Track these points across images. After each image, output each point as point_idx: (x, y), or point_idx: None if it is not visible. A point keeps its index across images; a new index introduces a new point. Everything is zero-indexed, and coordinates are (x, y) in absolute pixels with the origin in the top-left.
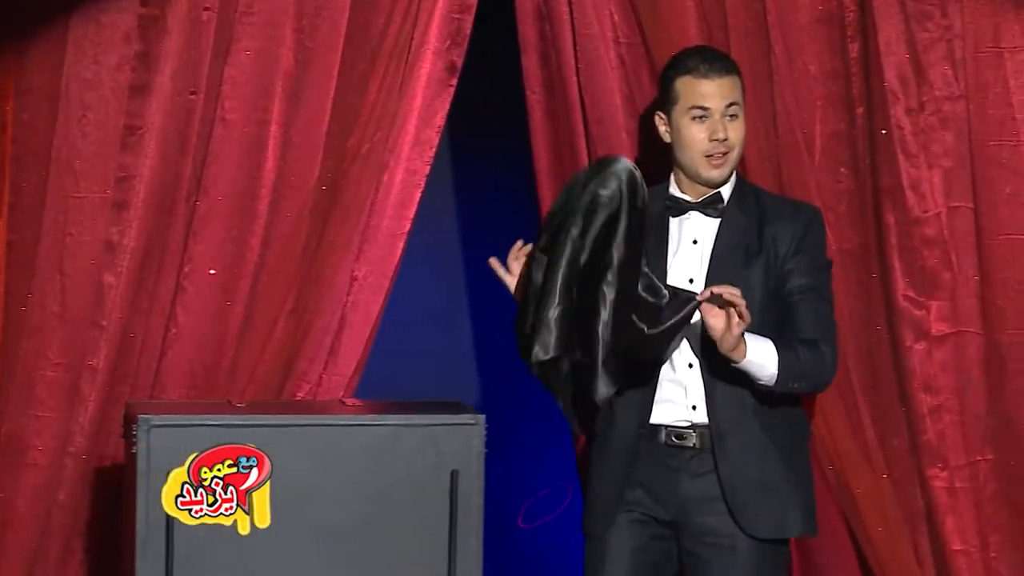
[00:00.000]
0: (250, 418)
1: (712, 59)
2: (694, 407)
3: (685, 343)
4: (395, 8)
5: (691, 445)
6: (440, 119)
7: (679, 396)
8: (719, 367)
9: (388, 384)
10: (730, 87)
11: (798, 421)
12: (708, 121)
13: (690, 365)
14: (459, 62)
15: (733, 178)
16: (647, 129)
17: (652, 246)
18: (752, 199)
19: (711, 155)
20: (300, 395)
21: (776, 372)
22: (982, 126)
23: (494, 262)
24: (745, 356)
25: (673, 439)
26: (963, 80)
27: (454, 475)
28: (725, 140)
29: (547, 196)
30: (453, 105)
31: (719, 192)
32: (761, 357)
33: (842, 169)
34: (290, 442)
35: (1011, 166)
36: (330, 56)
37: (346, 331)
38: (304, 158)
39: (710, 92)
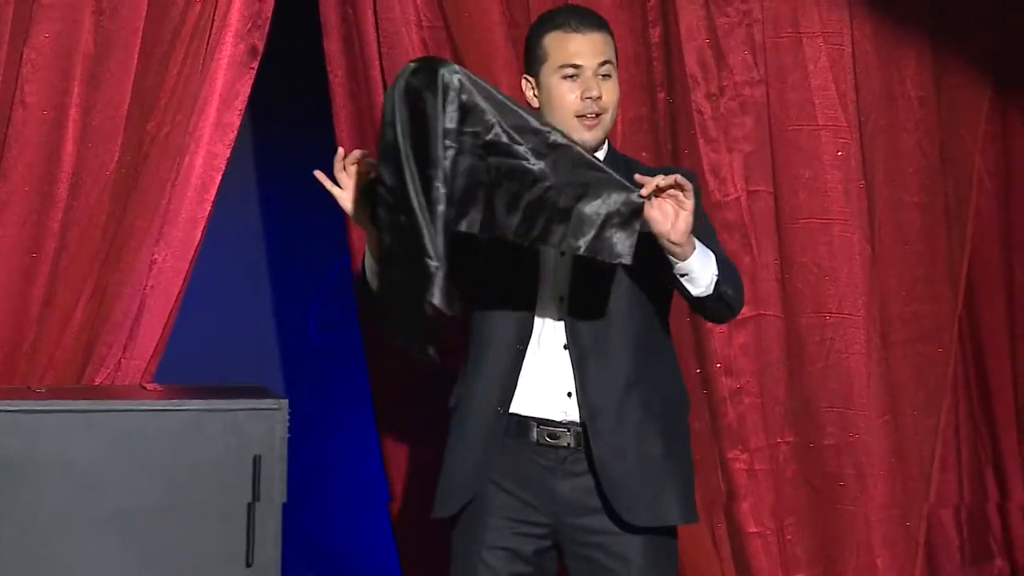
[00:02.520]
0: (49, 403)
1: (583, 13)
2: (568, 394)
3: (560, 324)
4: None
5: (565, 444)
6: (241, 102)
7: (551, 383)
8: (592, 341)
9: (189, 368)
10: (603, 43)
11: (678, 396)
12: (580, 79)
13: (564, 346)
14: (260, 45)
15: (605, 146)
16: None
17: None
18: (623, 168)
19: (583, 115)
20: (99, 380)
21: (716, 269)
22: (781, 111)
23: (319, 175)
24: (694, 251)
25: (546, 438)
26: (763, 65)
27: (256, 460)
28: (599, 99)
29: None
30: (255, 88)
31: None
32: (703, 252)
33: (644, 153)
34: (89, 428)
35: (810, 151)
36: (130, 39)
37: (146, 315)
38: (104, 141)
39: (582, 48)
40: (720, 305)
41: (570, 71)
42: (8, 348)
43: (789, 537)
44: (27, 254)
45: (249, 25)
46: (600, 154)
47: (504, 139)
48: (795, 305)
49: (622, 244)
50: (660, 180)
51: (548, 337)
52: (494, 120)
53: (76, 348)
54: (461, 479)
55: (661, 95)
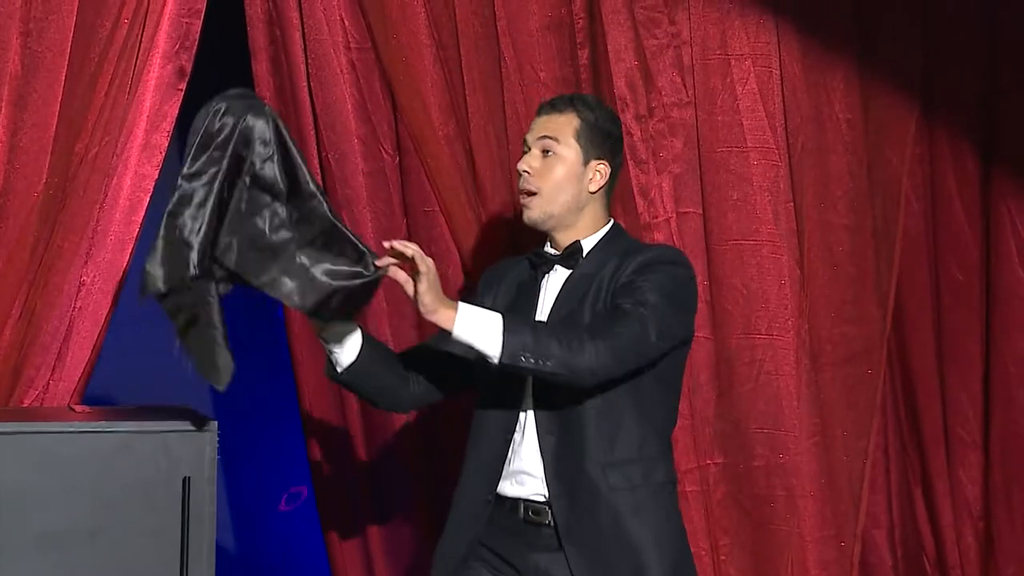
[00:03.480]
0: None
1: (558, 97)
2: (544, 471)
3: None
4: (123, 11)
5: (547, 523)
6: (169, 124)
7: (535, 467)
8: (556, 425)
9: (118, 390)
10: (558, 122)
11: (659, 469)
12: (524, 156)
13: (550, 432)
14: (188, 66)
15: (604, 230)
16: (376, 134)
17: (520, 302)
18: (616, 248)
19: (521, 191)
20: (28, 402)
21: (502, 340)
22: (710, 132)
23: None
24: (455, 321)
25: (531, 514)
26: (691, 87)
27: (186, 482)
28: (527, 173)
29: None
30: (183, 110)
31: (578, 242)
32: (480, 322)
33: None
34: (17, 450)
35: (738, 172)
36: (57, 60)
37: (74, 337)
38: (31, 163)
39: (532, 127)
40: (535, 373)
41: (524, 148)
42: None
43: (723, 557)
44: None
45: (177, 47)
46: (594, 237)
47: (269, 175)
48: (724, 326)
49: (348, 310)
50: (401, 247)
51: (531, 424)
52: (271, 153)
53: (4, 370)
54: (452, 549)
55: None
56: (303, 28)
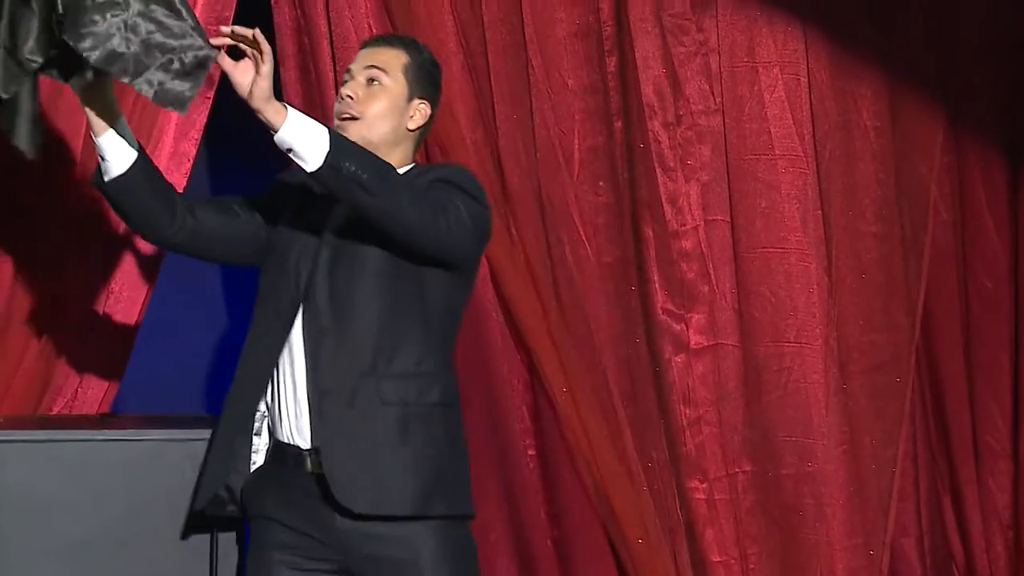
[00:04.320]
0: (6, 434)
1: (385, 34)
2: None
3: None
4: None
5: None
6: (197, 132)
7: (297, 363)
8: (330, 324)
9: (146, 399)
10: (380, 54)
11: (431, 400)
12: (346, 82)
13: (323, 331)
14: (216, 74)
15: (405, 168)
16: None
17: (306, 224)
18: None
19: (339, 116)
20: (57, 409)
21: (329, 146)
22: (738, 140)
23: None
24: (285, 118)
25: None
26: (719, 94)
27: None
28: (351, 99)
29: None
30: (211, 117)
31: None
32: (309, 127)
33: (601, 183)
34: (47, 458)
35: (766, 180)
36: None
37: (103, 345)
38: (62, 173)
39: (358, 57)
40: (351, 191)
41: (345, 77)
42: None
43: (752, 566)
44: None
45: None
46: (402, 170)
47: None
48: (753, 334)
49: (182, 91)
50: (242, 31)
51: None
52: None
53: (33, 378)
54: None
55: (618, 124)
56: (331, 36)
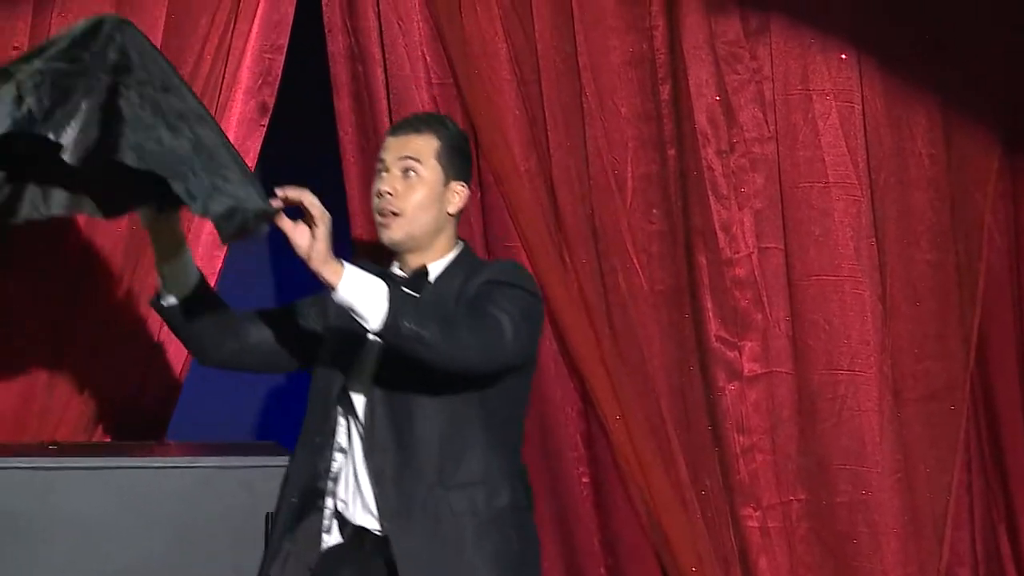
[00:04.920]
0: (60, 460)
1: (412, 117)
2: (374, 486)
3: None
4: (205, 48)
5: (375, 533)
6: (252, 159)
7: (364, 485)
8: (385, 443)
9: (200, 425)
10: (412, 143)
11: (501, 504)
12: (383, 177)
13: (384, 448)
14: (271, 102)
15: (452, 254)
16: None
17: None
18: (464, 270)
19: (381, 212)
20: (110, 437)
21: (387, 305)
22: (792, 168)
23: None
24: (342, 277)
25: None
26: (773, 122)
27: (268, 518)
28: (390, 195)
29: (361, 236)
30: (265, 145)
31: (424, 267)
32: (366, 285)
33: (654, 210)
34: (100, 484)
35: (820, 207)
36: None
37: (156, 372)
38: None
39: (388, 145)
40: (413, 348)
41: (378, 166)
42: (20, 404)
43: None
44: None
45: (259, 82)
46: (442, 261)
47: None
48: (807, 362)
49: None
50: (296, 194)
51: (356, 438)
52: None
53: (87, 405)
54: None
55: (671, 152)
56: (385, 63)
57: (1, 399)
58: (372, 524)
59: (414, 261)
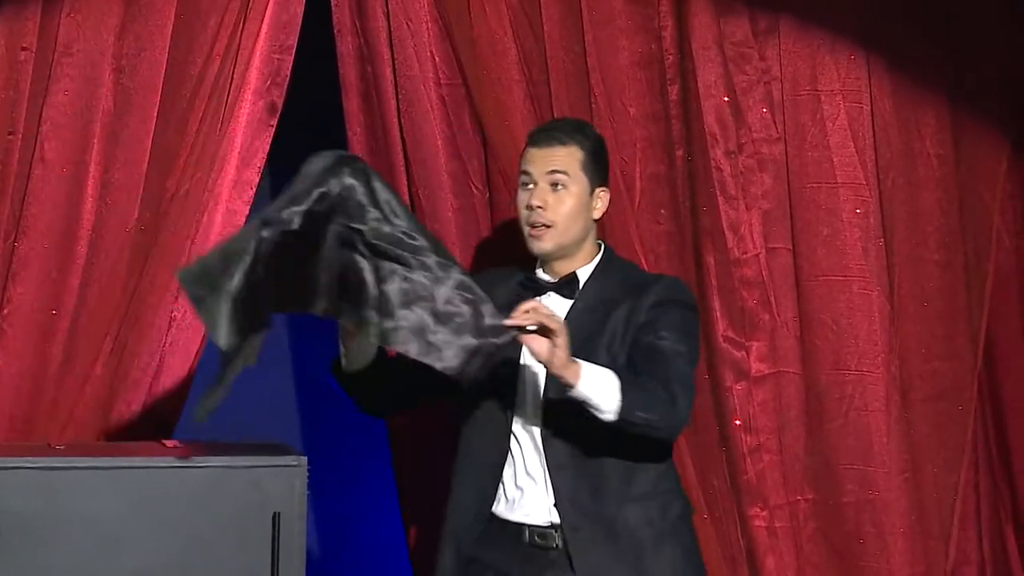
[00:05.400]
0: (68, 460)
1: (552, 127)
2: (555, 504)
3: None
4: (214, 48)
5: (554, 546)
6: (260, 160)
7: (541, 496)
8: (559, 453)
9: (208, 425)
10: (563, 155)
11: (676, 513)
12: (530, 189)
13: (562, 467)
14: (279, 102)
15: (597, 258)
16: (466, 170)
17: None
18: (615, 278)
19: (532, 225)
20: (119, 436)
21: (620, 397)
22: (800, 168)
23: None
24: (580, 377)
25: (536, 539)
26: (781, 123)
27: (276, 517)
28: (540, 208)
29: None
30: (274, 145)
31: (575, 272)
32: (600, 379)
33: (662, 211)
34: (109, 484)
35: (828, 208)
36: (149, 96)
37: (165, 372)
38: (123, 199)
39: (534, 157)
40: (640, 430)
41: (524, 179)
42: (28, 405)
43: None
44: (46, 311)
45: (268, 83)
46: (589, 266)
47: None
48: (814, 362)
49: (472, 371)
50: (531, 317)
51: (532, 453)
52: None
53: (95, 405)
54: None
55: (679, 152)
56: (394, 64)
57: (10, 400)
58: (536, 521)
59: (562, 268)
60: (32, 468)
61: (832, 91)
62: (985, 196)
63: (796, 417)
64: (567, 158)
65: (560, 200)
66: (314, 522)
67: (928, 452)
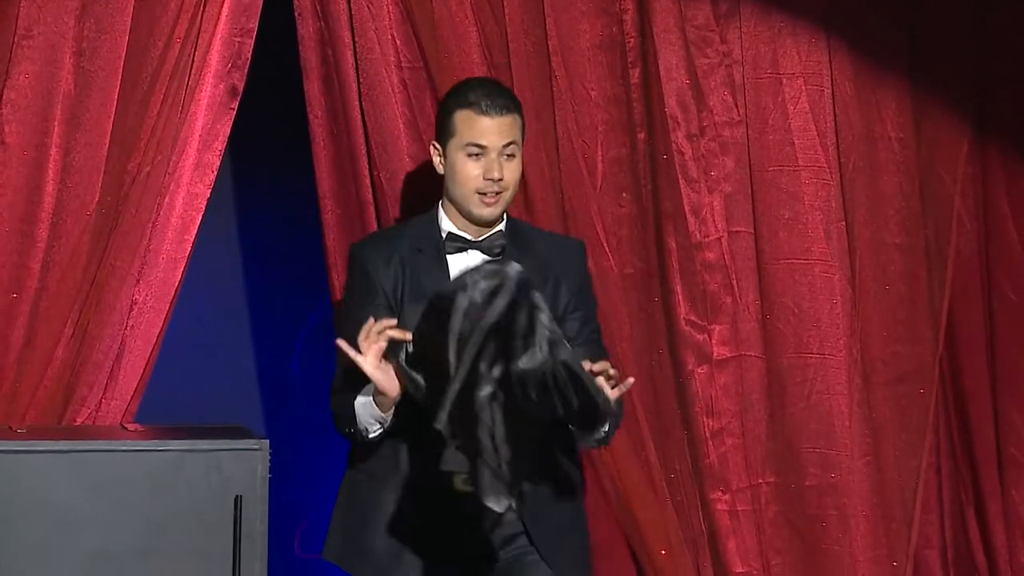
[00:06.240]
0: (29, 444)
1: (494, 95)
2: None
3: None
4: (175, 31)
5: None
6: (221, 143)
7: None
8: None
9: (170, 409)
10: (509, 126)
11: (579, 480)
12: (484, 159)
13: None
14: (240, 85)
15: (505, 217)
16: (428, 153)
17: (430, 281)
18: (525, 239)
19: (484, 193)
20: (80, 420)
21: (617, 420)
22: (761, 151)
23: (341, 343)
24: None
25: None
26: (742, 106)
27: (238, 500)
28: (500, 180)
29: (329, 220)
30: (235, 128)
31: (500, 231)
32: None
33: (624, 194)
34: (70, 468)
35: (790, 191)
36: (110, 79)
37: (126, 356)
38: (84, 182)
39: (488, 130)
40: (599, 440)
41: (475, 150)
42: None
43: None
44: (7, 295)
45: (229, 66)
46: (501, 225)
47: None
48: (776, 346)
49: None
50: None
51: None
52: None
53: (57, 388)
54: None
55: (641, 136)
56: (355, 47)
57: None
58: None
59: (487, 227)
60: None
61: (793, 74)
62: (946, 179)
63: (758, 400)
64: (515, 127)
65: (511, 169)
66: (275, 506)
67: (890, 435)
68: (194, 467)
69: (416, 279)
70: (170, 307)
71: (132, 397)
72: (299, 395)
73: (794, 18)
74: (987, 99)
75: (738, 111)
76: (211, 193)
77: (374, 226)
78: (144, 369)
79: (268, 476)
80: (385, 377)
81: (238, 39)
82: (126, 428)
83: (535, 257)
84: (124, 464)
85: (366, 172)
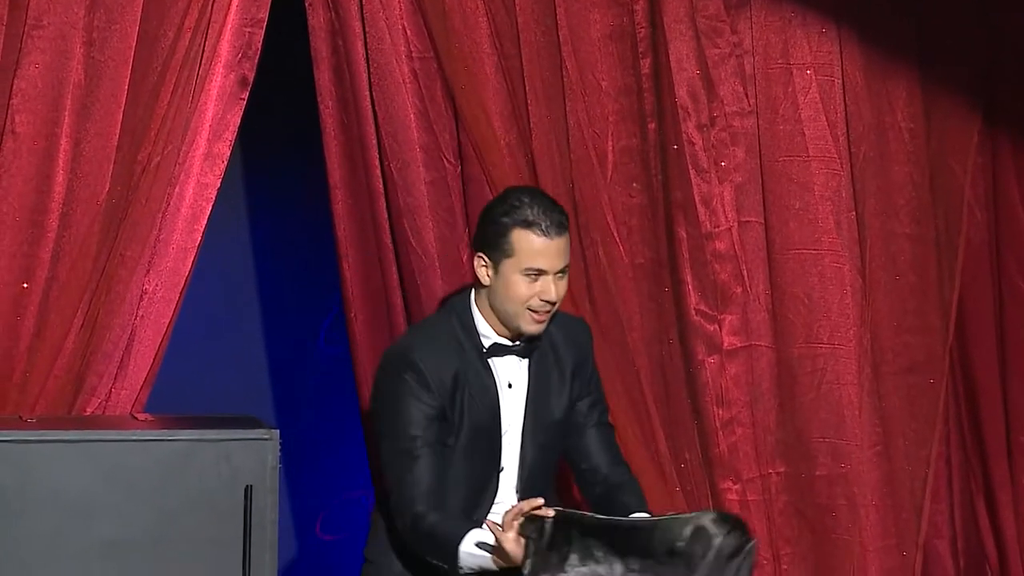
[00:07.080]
0: (39, 433)
1: (551, 211)
2: None
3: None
4: (185, 21)
5: None
6: (231, 133)
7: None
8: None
9: (180, 398)
10: (567, 245)
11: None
12: (541, 280)
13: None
14: (251, 76)
15: None
16: (438, 143)
17: (477, 389)
18: (550, 333)
19: (536, 311)
20: (90, 410)
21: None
22: (772, 141)
23: (490, 523)
24: None
25: None
26: (753, 96)
27: (248, 490)
28: (554, 302)
29: (340, 210)
30: (245, 118)
31: (537, 337)
32: None
33: (634, 184)
34: (80, 458)
35: (800, 181)
36: (120, 69)
37: (136, 345)
38: (94, 172)
39: (550, 253)
40: None
41: (535, 274)
42: None
43: (785, 567)
44: (17, 284)
45: (239, 56)
46: None
47: None
48: (786, 336)
49: None
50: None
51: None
52: None
53: (67, 378)
54: None
55: (652, 126)
56: (365, 37)
57: None
58: None
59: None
60: (4, 441)
61: (804, 64)
62: (956, 169)
63: (768, 390)
64: (569, 245)
65: (563, 286)
66: (286, 495)
67: (900, 425)
68: (204, 457)
69: (467, 388)
70: (180, 297)
71: (142, 387)
72: (310, 385)
73: (804, 8)
74: (997, 89)
75: (748, 101)
76: (221, 183)
77: (384, 216)
78: (154, 359)
79: (279, 466)
80: (518, 550)
81: (248, 29)
82: (136, 418)
83: (555, 349)
84: (134, 454)
85: (376, 162)
